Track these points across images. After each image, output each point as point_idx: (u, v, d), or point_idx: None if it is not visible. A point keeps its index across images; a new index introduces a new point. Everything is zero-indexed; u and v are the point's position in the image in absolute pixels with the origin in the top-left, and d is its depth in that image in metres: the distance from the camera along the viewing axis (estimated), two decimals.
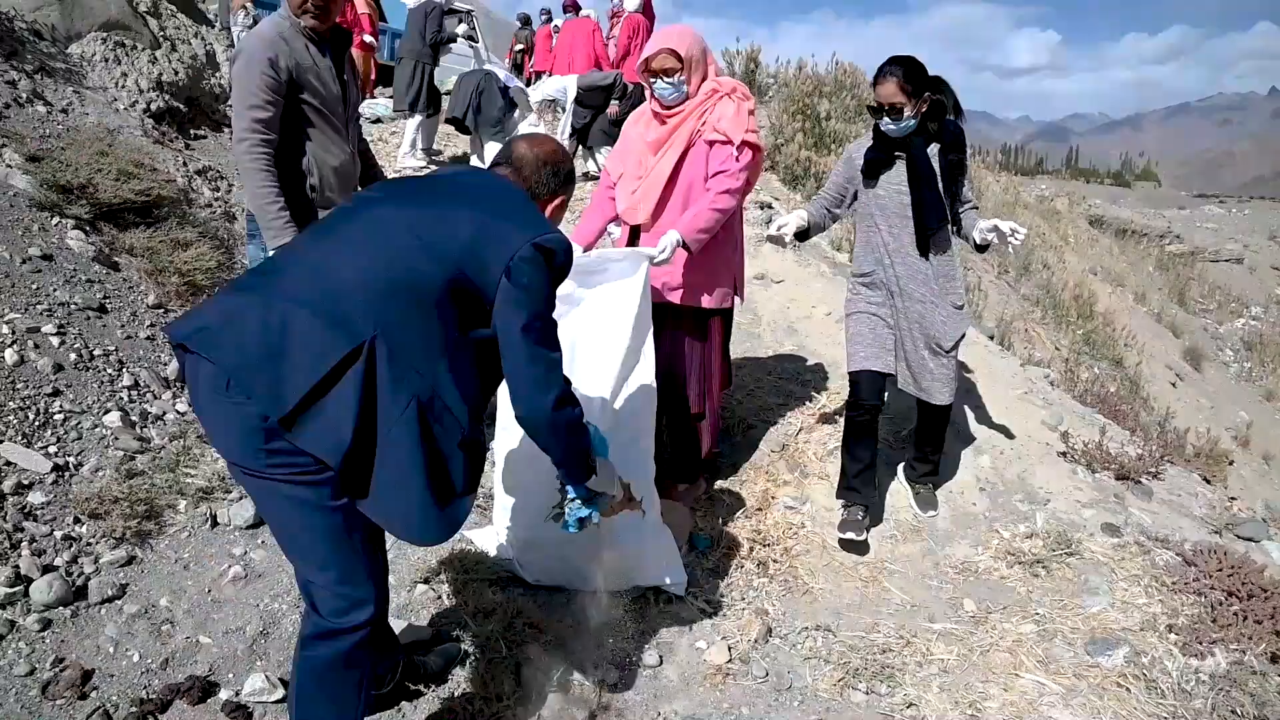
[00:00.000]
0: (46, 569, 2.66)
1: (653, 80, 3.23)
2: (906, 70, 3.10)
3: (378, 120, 10.37)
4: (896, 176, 3.26)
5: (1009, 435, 4.11)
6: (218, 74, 7.01)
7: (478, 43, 16.55)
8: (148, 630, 2.52)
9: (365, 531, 1.83)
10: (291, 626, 2.61)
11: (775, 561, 3.35)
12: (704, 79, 3.25)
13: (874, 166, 3.30)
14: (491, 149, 7.69)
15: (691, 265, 3.29)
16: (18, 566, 2.62)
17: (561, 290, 2.74)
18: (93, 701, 2.24)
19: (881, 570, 3.38)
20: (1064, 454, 3.99)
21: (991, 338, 5.56)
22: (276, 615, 2.65)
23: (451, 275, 1.78)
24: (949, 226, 3.28)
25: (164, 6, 6.83)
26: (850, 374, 3.48)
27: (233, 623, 2.60)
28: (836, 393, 4.51)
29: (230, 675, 2.39)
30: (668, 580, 3.09)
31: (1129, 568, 3.28)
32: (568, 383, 1.99)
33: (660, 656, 2.81)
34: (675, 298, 3.35)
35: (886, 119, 3.18)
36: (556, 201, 2.14)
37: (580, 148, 8.63)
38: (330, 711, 1.86)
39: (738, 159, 3.20)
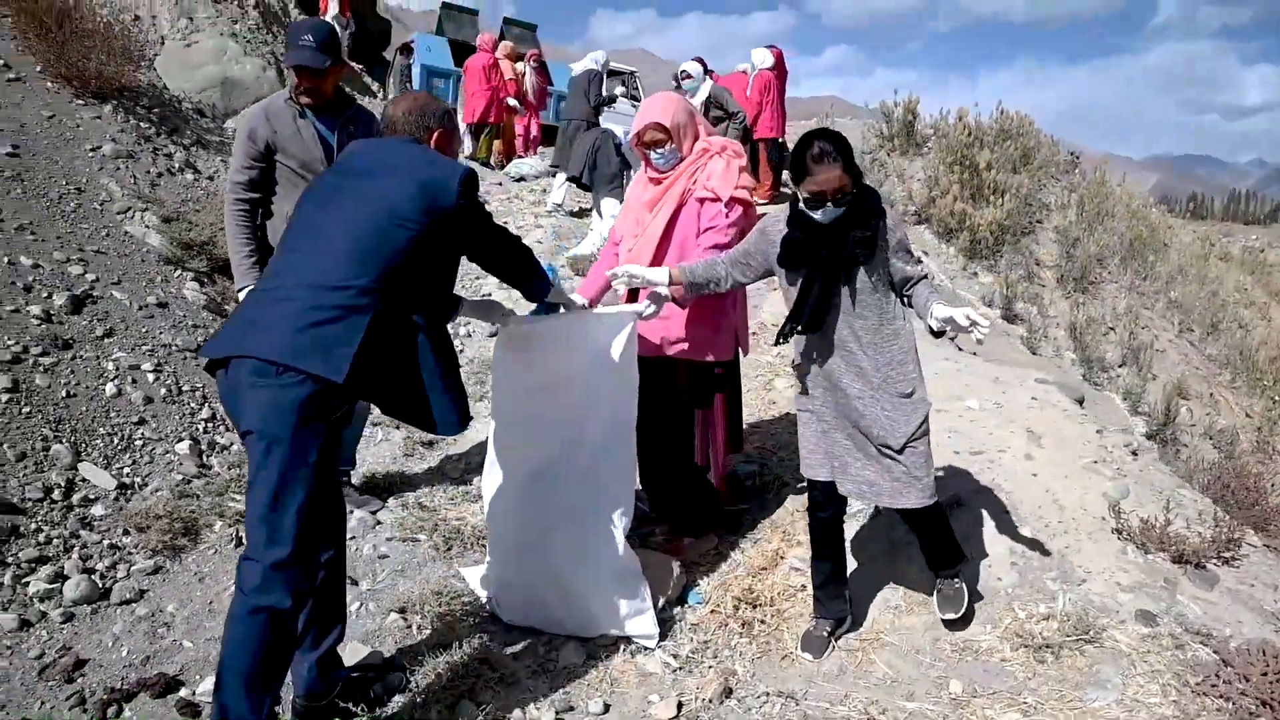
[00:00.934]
0: (86, 571, 3.08)
1: (647, 151, 3.38)
2: (841, 148, 2.64)
3: (520, 179, 11.04)
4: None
5: (1060, 506, 3.82)
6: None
7: (639, 102, 17.24)
8: (145, 631, 2.86)
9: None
10: None
11: (762, 623, 3.29)
12: (695, 139, 3.35)
13: (795, 255, 2.77)
14: (609, 205, 7.99)
15: (689, 320, 3.35)
16: (62, 567, 3.06)
17: (547, 349, 2.92)
18: (75, 686, 2.58)
19: (874, 641, 3.23)
20: (1118, 531, 3.65)
21: (1081, 400, 5.12)
22: None
23: (414, 231, 2.22)
24: (892, 306, 2.86)
25: None
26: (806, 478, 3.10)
27: (217, 631, 2.88)
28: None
29: (196, 676, 2.66)
30: (636, 632, 3.12)
31: (1152, 662, 2.96)
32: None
33: (606, 705, 2.83)
34: (674, 352, 3.41)
35: (828, 206, 2.63)
36: (438, 133, 2.48)
37: None
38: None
39: (727, 215, 3.27)
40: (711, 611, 3.36)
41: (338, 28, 12.28)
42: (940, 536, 3.09)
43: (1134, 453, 4.40)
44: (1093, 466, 4.11)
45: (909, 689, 2.98)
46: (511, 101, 11.74)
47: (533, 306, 3.06)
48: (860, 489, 2.93)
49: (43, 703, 2.53)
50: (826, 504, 3.05)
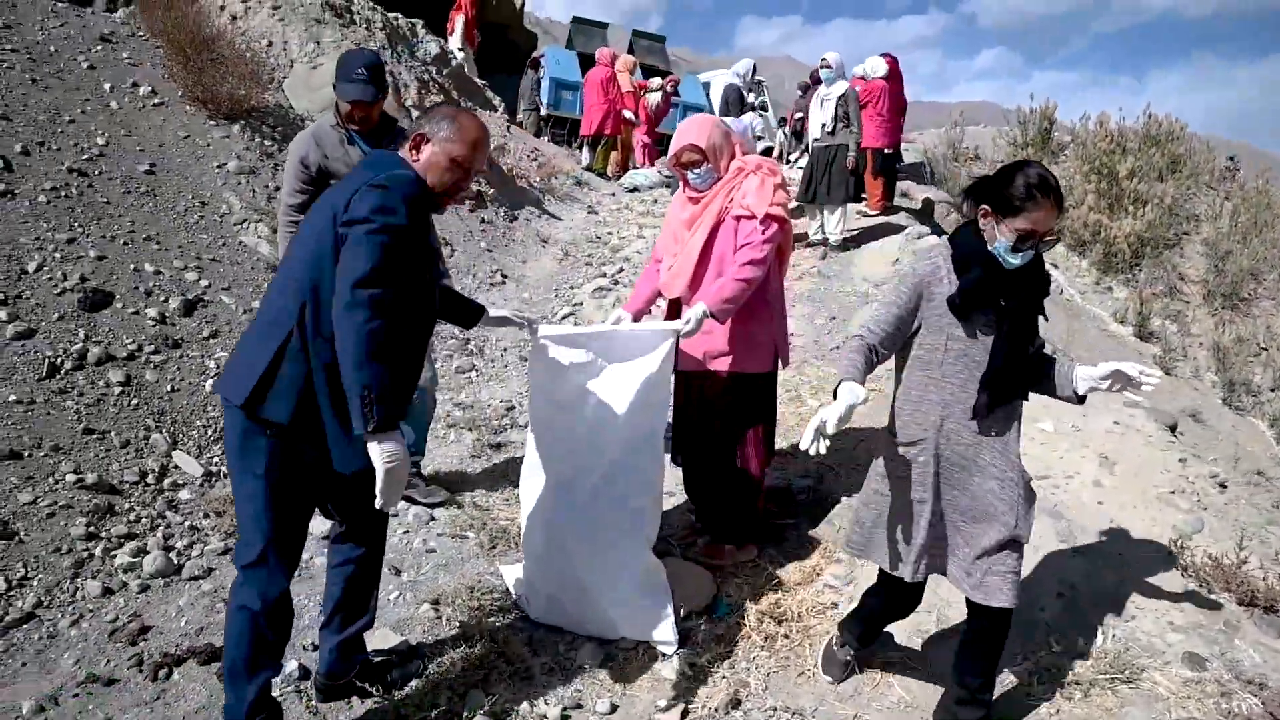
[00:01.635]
0: (166, 548, 3.43)
1: (684, 172, 3.46)
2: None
3: (634, 189, 11.25)
4: (988, 318, 2.43)
5: (1124, 538, 3.62)
6: None
7: (768, 112, 17.25)
8: (205, 605, 3.16)
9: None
10: (309, 619, 3.12)
11: (786, 638, 3.28)
12: (731, 158, 3.42)
13: (974, 302, 2.39)
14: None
15: (730, 333, 3.43)
16: (145, 543, 3.42)
17: (583, 360, 3.04)
18: (137, 649, 2.89)
19: (900, 666, 3.17)
20: (1183, 567, 3.43)
21: (1174, 427, 4.79)
22: (301, 609, 3.16)
23: (324, 244, 2.18)
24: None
25: (430, 99, 8.14)
26: (881, 572, 2.76)
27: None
28: None
29: None
30: (656, 638, 3.18)
31: (1191, 708, 2.78)
32: (381, 296, 2.07)
33: (614, 706, 2.92)
34: (715, 365, 3.49)
35: (1027, 249, 2.32)
36: (416, 136, 2.34)
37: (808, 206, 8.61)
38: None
39: (763, 232, 3.31)
40: (737, 623, 3.38)
41: (460, 55, 12.95)
42: (997, 649, 2.65)
43: (1222, 485, 4.10)
44: (1167, 497, 3.88)
45: (923, 716, 2.92)
46: (628, 114, 11.98)
47: (558, 322, 3.18)
48: (958, 575, 2.59)
49: (108, 660, 2.85)
50: (908, 601, 2.80)
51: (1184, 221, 12.55)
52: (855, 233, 8.68)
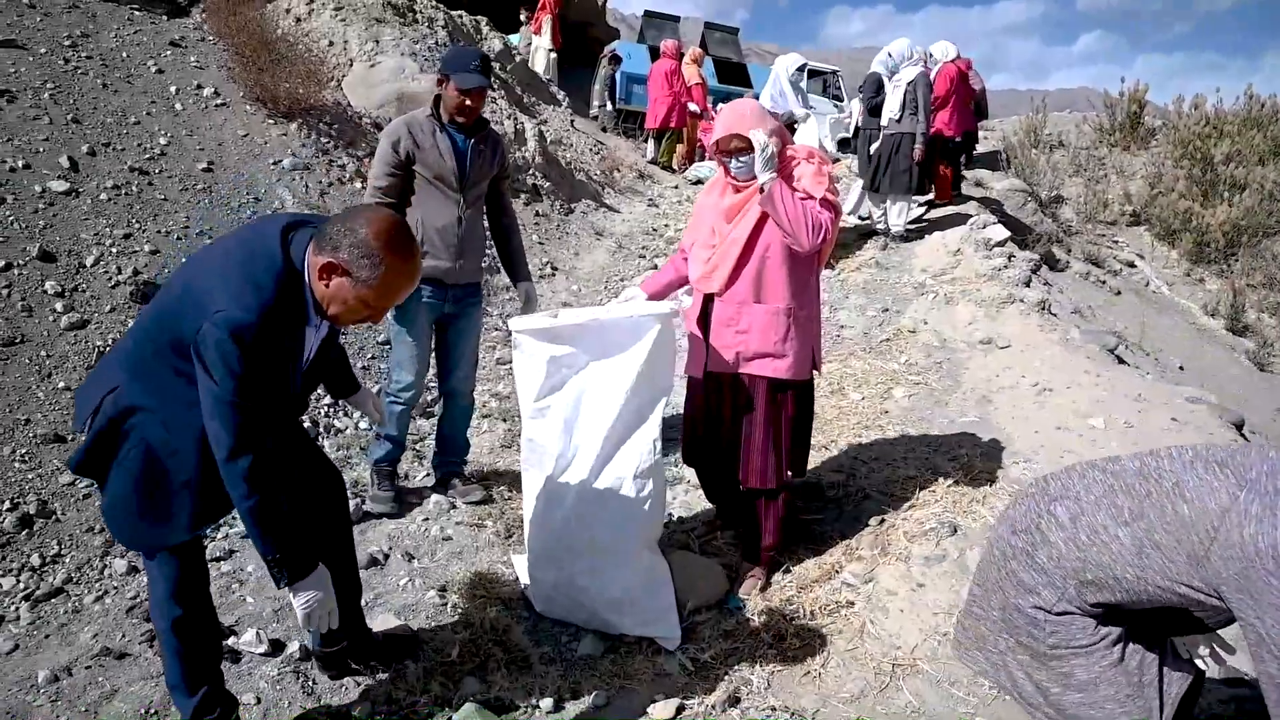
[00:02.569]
0: None
1: (727, 160, 3.25)
2: None
3: (698, 181, 11.17)
4: None
5: None
6: (523, 148, 8.24)
7: (842, 102, 16.89)
8: (221, 586, 3.26)
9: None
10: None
11: (794, 636, 3.19)
12: (782, 142, 3.19)
13: None
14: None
15: (765, 337, 3.24)
16: None
17: (565, 354, 3.00)
18: (150, 626, 2.99)
19: (912, 669, 3.04)
20: None
21: (1240, 425, 4.44)
22: None
23: (166, 330, 2.04)
24: None
25: (489, 95, 8.23)
26: None
27: (276, 592, 3.23)
28: (984, 473, 4.06)
29: (247, 629, 2.99)
30: (658, 633, 3.14)
31: None
32: (252, 464, 2.01)
33: (609, 699, 2.88)
34: (747, 369, 3.29)
35: None
36: (323, 263, 1.99)
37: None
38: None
39: (819, 212, 3.09)
40: (747, 619, 3.30)
41: (551, 56, 13.09)
42: None
43: None
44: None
45: None
46: (693, 107, 11.91)
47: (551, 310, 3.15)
48: None
49: (123, 635, 2.97)
50: None
51: None
52: (923, 224, 8.43)
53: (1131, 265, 11.33)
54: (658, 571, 3.17)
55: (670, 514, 4.06)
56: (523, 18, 13.81)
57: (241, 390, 1.96)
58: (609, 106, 14.36)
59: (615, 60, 14.91)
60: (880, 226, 8.21)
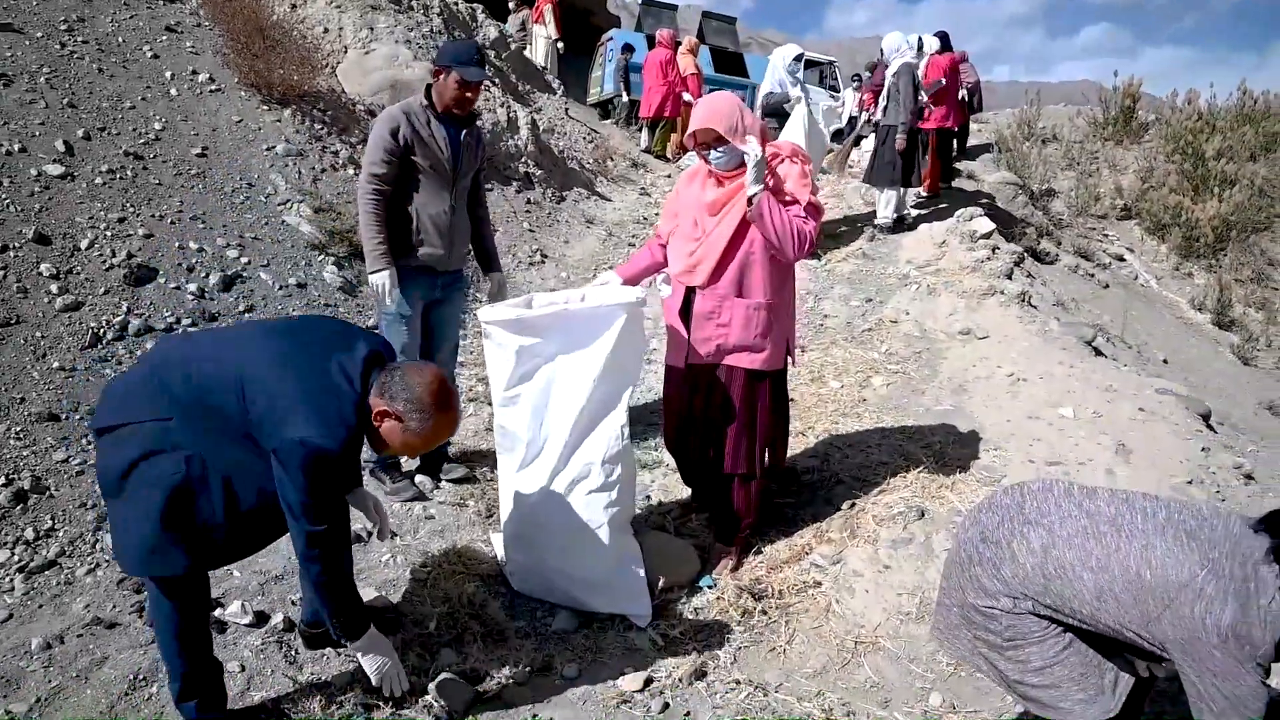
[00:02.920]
0: None
1: (705, 152, 3.31)
2: None
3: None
4: None
5: None
6: (515, 136, 8.31)
7: (839, 93, 16.93)
8: None
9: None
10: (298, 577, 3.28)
11: (764, 613, 3.31)
12: (762, 140, 3.22)
13: None
14: None
15: (743, 329, 3.35)
16: None
17: (534, 343, 3.08)
18: (141, 596, 3.10)
19: (873, 646, 3.16)
20: None
21: (1207, 416, 4.53)
22: (294, 567, 3.33)
23: (244, 422, 2.24)
24: None
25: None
26: None
27: (264, 565, 3.33)
28: (955, 460, 4.18)
29: (233, 601, 3.10)
30: (629, 611, 3.25)
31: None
32: (327, 547, 2.31)
33: (580, 671, 3.00)
34: (727, 361, 3.41)
35: None
36: (386, 423, 2.29)
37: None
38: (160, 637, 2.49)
39: (804, 220, 3.19)
40: (717, 598, 3.42)
41: (554, 48, 13.14)
42: None
43: (1248, 476, 3.93)
44: (1183, 487, 3.75)
45: (886, 696, 2.93)
46: (687, 96, 11.97)
47: (525, 295, 3.24)
48: None
49: (114, 606, 3.08)
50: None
51: (1276, 204, 11.83)
52: (913, 215, 8.50)
53: (1121, 259, 11.42)
54: (628, 553, 3.28)
55: (648, 496, 4.18)
56: (511, 5, 13.77)
57: (318, 500, 2.25)
58: (625, 97, 14.32)
59: (628, 49, 14.88)
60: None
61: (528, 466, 3.18)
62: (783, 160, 3.30)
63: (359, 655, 2.51)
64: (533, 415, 3.14)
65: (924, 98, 8.15)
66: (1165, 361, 8.29)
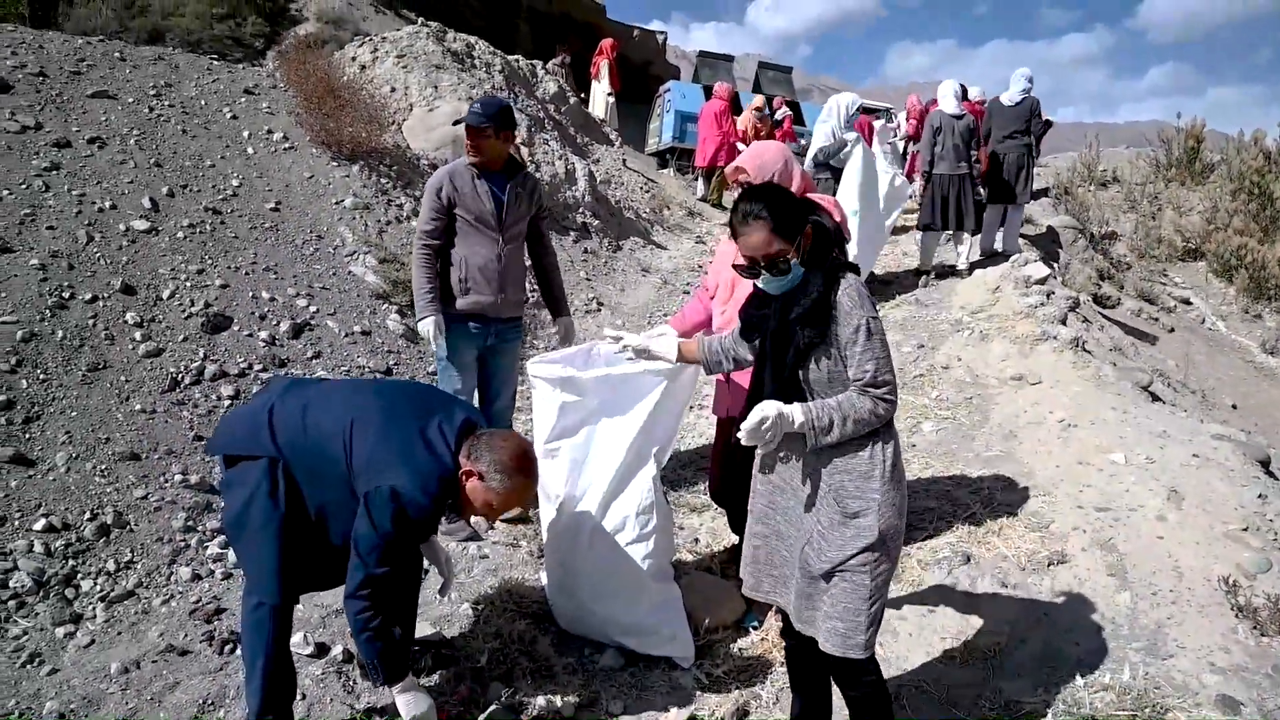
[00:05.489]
0: None
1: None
2: (772, 206, 2.34)
3: None
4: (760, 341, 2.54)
5: (1179, 573, 3.48)
6: (574, 187, 8.57)
7: (897, 138, 16.97)
8: None
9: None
10: None
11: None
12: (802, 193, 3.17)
13: (747, 326, 2.59)
14: None
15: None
16: None
17: (576, 400, 3.19)
18: (211, 627, 3.28)
19: (913, 687, 3.17)
20: (1239, 608, 3.27)
21: (1266, 462, 4.43)
22: None
23: (345, 468, 2.49)
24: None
25: (540, 136, 8.60)
26: None
27: (325, 599, 3.49)
28: (1003, 505, 4.18)
29: (297, 632, 3.25)
30: (673, 653, 3.30)
31: None
32: (376, 592, 2.46)
33: (625, 707, 3.07)
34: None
35: (765, 275, 2.39)
36: (472, 480, 2.51)
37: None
38: (248, 654, 2.63)
39: None
40: (761, 639, 3.46)
41: (610, 100, 13.54)
42: (864, 710, 2.51)
43: None
44: (1237, 534, 3.68)
45: None
46: (741, 147, 12.18)
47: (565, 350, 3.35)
48: (796, 610, 2.48)
49: (185, 635, 3.26)
50: (787, 630, 2.64)
51: None
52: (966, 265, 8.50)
53: (1187, 302, 11.19)
54: (668, 598, 3.33)
55: (696, 539, 4.25)
56: (557, 60, 14.03)
57: (390, 547, 2.43)
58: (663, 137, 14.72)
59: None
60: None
61: (565, 519, 3.28)
62: None
63: (397, 698, 2.60)
64: (571, 468, 3.24)
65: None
66: (1234, 407, 8.08)
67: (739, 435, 2.28)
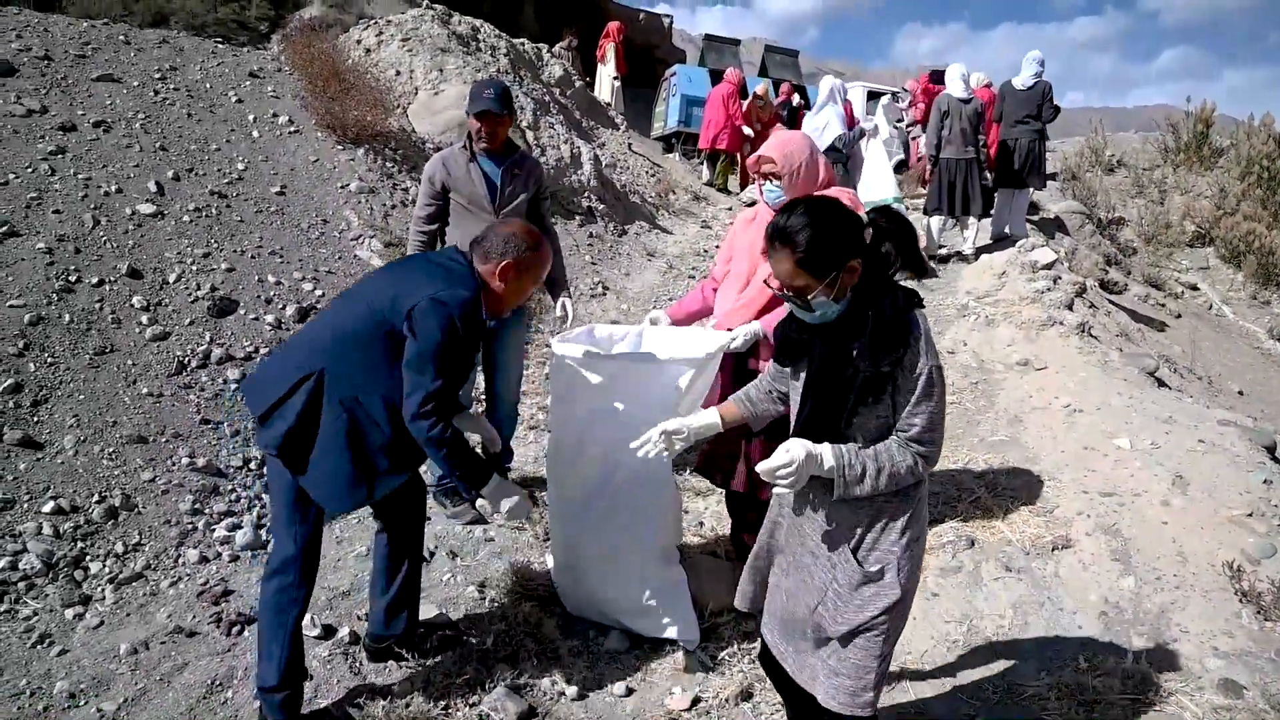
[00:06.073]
0: (259, 526, 3.88)
1: (762, 181, 3.27)
2: (814, 227, 1.97)
3: (752, 203, 11.36)
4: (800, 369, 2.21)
5: (1183, 559, 3.48)
6: (579, 171, 8.55)
7: (902, 122, 16.92)
8: None
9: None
10: (367, 590, 3.45)
11: None
12: (814, 182, 3.19)
13: (788, 351, 2.23)
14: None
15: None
16: (241, 520, 3.88)
17: (599, 382, 3.12)
18: (219, 608, 3.31)
19: (916, 673, 3.18)
20: (1242, 593, 3.27)
21: (1272, 448, 4.42)
22: (361, 584, 3.50)
23: (379, 323, 2.54)
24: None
25: (546, 120, 8.57)
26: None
27: (333, 581, 3.52)
28: (1007, 490, 4.18)
29: (309, 615, 3.27)
30: (677, 635, 3.31)
31: None
32: (439, 406, 2.52)
33: (630, 690, 3.09)
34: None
35: (795, 305, 2.09)
36: (504, 263, 2.66)
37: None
38: (267, 635, 2.64)
39: None
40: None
41: (615, 83, 13.49)
42: None
43: None
44: (1242, 520, 3.68)
45: None
46: (746, 130, 12.13)
47: (581, 329, 3.35)
48: (792, 660, 2.31)
49: (194, 616, 3.28)
50: (765, 656, 2.49)
51: None
52: (971, 249, 8.49)
53: (1194, 288, 11.14)
54: (674, 580, 3.33)
55: (701, 522, 4.26)
56: (563, 44, 13.91)
57: (442, 351, 2.49)
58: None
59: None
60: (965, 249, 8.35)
61: (574, 500, 3.26)
62: None
63: (489, 499, 2.71)
64: (583, 451, 3.20)
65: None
66: (1240, 393, 8.05)
67: (758, 469, 2.05)
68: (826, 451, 2.01)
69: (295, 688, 2.67)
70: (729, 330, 3.25)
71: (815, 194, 3.02)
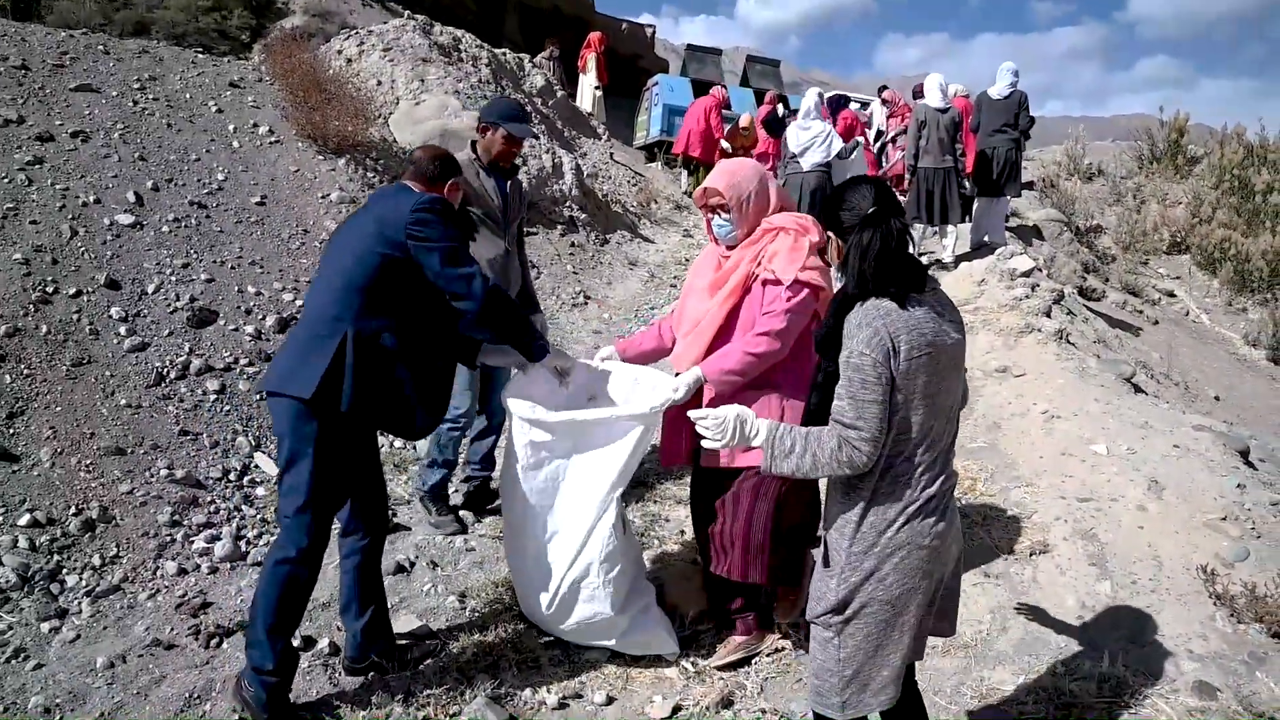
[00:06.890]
0: (237, 537, 3.86)
1: (710, 215, 3.12)
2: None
3: None
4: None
5: (1159, 562, 3.52)
6: (560, 181, 8.57)
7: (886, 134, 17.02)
8: None
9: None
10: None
11: (796, 646, 3.37)
12: (762, 213, 3.06)
13: (832, 343, 2.14)
14: None
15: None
16: (220, 532, 3.86)
17: (548, 440, 3.02)
18: (197, 620, 3.29)
19: None
20: (1217, 596, 3.31)
21: (1245, 452, 4.48)
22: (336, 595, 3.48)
23: (377, 262, 2.67)
24: None
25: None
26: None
27: (314, 592, 3.49)
28: (986, 496, 4.22)
29: None
30: (657, 651, 3.28)
31: None
32: (485, 279, 2.81)
33: (610, 698, 3.09)
34: (744, 461, 3.03)
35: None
36: (450, 182, 2.96)
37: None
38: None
39: (787, 299, 2.89)
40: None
41: (597, 93, 13.53)
42: None
43: None
44: (1216, 524, 3.73)
45: None
46: (724, 144, 12.17)
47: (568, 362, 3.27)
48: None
49: (172, 629, 3.26)
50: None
51: None
52: (951, 257, 8.59)
53: (1171, 295, 11.27)
54: (643, 617, 3.26)
55: (681, 530, 4.27)
56: (545, 54, 13.86)
57: (455, 236, 2.78)
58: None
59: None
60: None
61: (528, 558, 3.17)
62: (776, 235, 3.02)
63: (546, 365, 3.11)
64: (535, 509, 3.09)
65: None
66: (1217, 399, 8.15)
67: (690, 415, 2.26)
68: (762, 423, 2.14)
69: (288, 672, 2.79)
70: (678, 374, 3.10)
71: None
